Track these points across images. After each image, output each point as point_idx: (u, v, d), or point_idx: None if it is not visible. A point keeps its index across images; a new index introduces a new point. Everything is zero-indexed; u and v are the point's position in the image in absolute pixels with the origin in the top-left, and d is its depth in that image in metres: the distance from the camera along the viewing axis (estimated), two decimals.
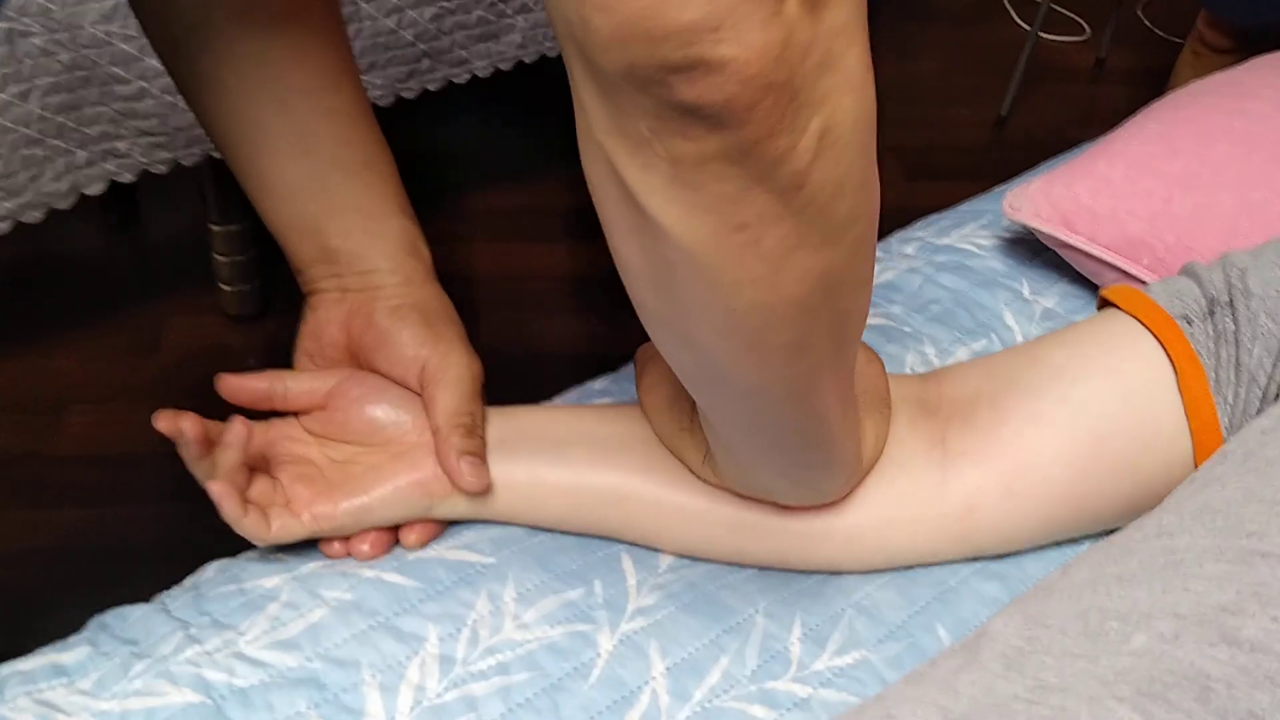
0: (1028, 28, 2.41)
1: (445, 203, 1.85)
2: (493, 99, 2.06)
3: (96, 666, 0.59)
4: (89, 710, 0.57)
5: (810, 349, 0.46)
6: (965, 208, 0.95)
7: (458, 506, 0.65)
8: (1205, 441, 0.60)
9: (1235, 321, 0.60)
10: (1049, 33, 2.37)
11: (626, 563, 0.65)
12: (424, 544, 0.65)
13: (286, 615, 0.61)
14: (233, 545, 0.64)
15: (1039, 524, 0.63)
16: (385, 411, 0.66)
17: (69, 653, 0.60)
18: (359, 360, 0.68)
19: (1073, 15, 2.46)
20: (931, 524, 0.62)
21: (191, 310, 1.69)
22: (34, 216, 1.37)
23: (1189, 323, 0.61)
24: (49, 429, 1.53)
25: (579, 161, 0.41)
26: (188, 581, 0.65)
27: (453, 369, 0.65)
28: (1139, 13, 2.51)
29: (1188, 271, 0.64)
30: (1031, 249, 0.87)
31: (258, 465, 0.65)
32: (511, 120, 2.09)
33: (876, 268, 0.86)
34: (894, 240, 0.91)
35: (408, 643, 0.60)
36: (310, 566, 0.64)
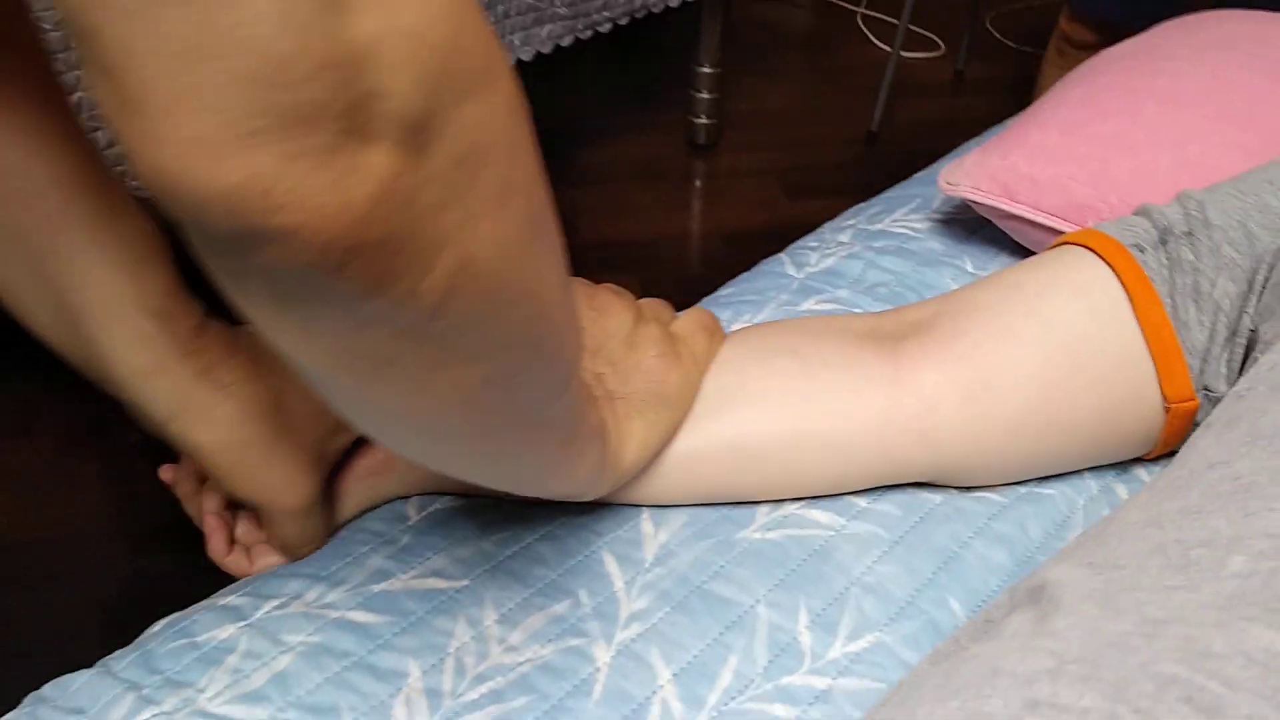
0: (885, 47, 2.48)
1: None
2: None
3: None
4: None
5: (497, 427, 0.42)
6: (889, 195, 0.93)
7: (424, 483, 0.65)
8: (1170, 368, 0.60)
9: (1195, 252, 0.60)
10: (907, 50, 2.43)
11: (610, 563, 0.61)
12: None
13: (248, 666, 0.55)
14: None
15: (1006, 433, 0.61)
16: None
17: None
18: None
19: (927, 33, 2.52)
20: (889, 417, 0.61)
21: (65, 387, 1.59)
22: None
23: (1141, 250, 0.61)
24: None
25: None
26: (133, 643, 0.58)
27: (263, 515, 0.61)
28: (988, 25, 2.59)
29: (1140, 210, 0.65)
30: (967, 227, 0.86)
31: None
32: None
33: (815, 255, 0.84)
34: (826, 230, 0.89)
35: (388, 680, 0.55)
36: (266, 610, 0.58)
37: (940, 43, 2.52)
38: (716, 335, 0.65)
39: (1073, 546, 0.45)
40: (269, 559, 0.63)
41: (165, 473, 0.65)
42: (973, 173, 0.80)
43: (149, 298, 0.55)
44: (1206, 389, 0.60)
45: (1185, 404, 0.60)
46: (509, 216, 0.33)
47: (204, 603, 0.60)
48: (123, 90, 0.25)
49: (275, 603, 0.58)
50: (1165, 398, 0.60)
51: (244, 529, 0.64)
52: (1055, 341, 0.60)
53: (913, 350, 0.62)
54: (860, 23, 2.63)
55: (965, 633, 0.46)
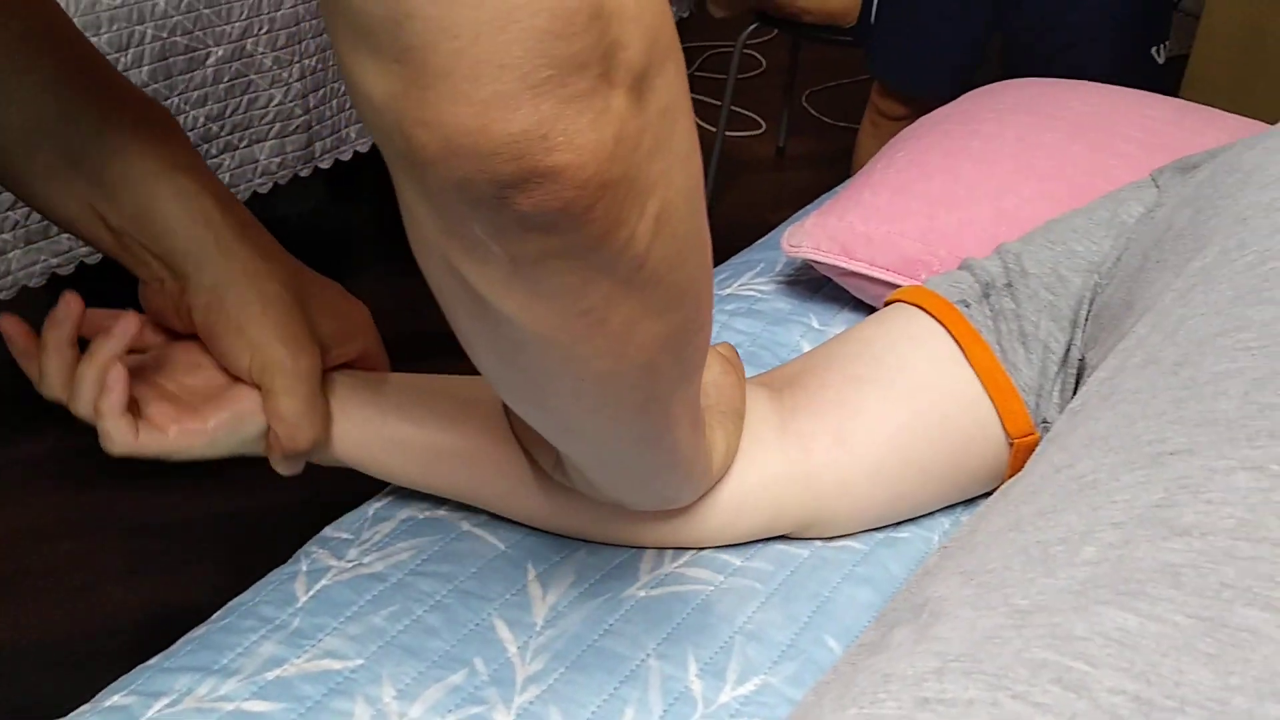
0: (708, 127, 2.57)
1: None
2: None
3: None
4: None
5: (658, 397, 0.47)
6: (736, 261, 0.98)
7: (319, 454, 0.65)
8: (1008, 407, 0.65)
9: (1015, 300, 0.67)
10: (730, 130, 2.53)
11: (501, 628, 0.62)
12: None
13: None
14: None
15: (872, 470, 0.66)
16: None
17: None
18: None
19: (748, 112, 2.64)
20: (776, 464, 0.65)
21: None
22: None
23: (966, 305, 0.67)
24: None
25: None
26: None
27: (282, 367, 0.61)
28: (804, 103, 2.72)
29: (964, 265, 0.71)
30: (809, 287, 0.91)
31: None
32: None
33: None
34: None
35: None
36: (157, 708, 0.57)
37: (761, 121, 2.63)
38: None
39: (944, 558, 0.49)
40: (152, 432, 0.60)
41: (10, 324, 0.60)
42: (813, 234, 0.85)
43: (181, 156, 0.61)
44: (1045, 421, 0.65)
45: (1027, 438, 0.65)
46: (692, 169, 0.38)
47: (86, 706, 0.58)
48: (426, 66, 0.30)
49: (166, 700, 0.57)
50: (1008, 434, 0.65)
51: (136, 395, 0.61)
52: (903, 387, 0.65)
53: (789, 402, 0.66)
54: None
55: (845, 660, 0.49)
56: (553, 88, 0.30)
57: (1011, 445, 0.66)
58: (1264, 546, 0.38)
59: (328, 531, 0.70)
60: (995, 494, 0.53)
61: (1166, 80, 1.48)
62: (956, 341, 0.65)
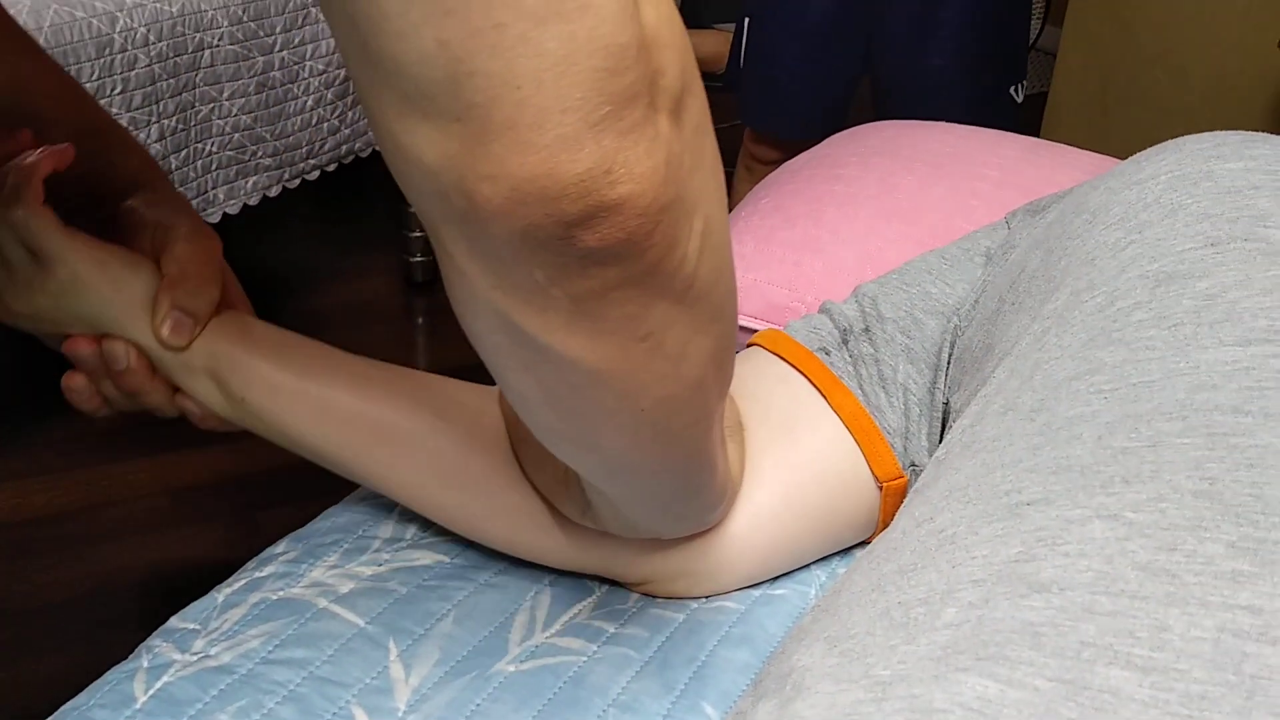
0: None
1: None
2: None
3: None
4: None
5: (706, 414, 0.48)
6: None
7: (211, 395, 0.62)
8: (875, 450, 0.65)
9: (873, 344, 0.67)
10: None
11: (360, 717, 0.58)
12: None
13: None
14: None
15: (747, 516, 0.64)
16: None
17: None
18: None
19: None
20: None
21: None
22: None
23: (826, 353, 0.67)
24: None
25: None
26: None
27: (182, 228, 0.61)
28: None
29: (823, 309, 0.71)
30: None
31: None
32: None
33: None
34: None
35: None
36: None
37: None
38: None
39: (811, 621, 0.47)
40: (56, 224, 0.58)
41: None
42: None
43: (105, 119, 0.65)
44: (914, 464, 0.64)
45: (896, 482, 0.64)
46: (721, 182, 0.39)
47: None
48: (490, 120, 0.30)
49: None
50: (876, 478, 0.64)
51: None
52: (773, 425, 0.64)
53: None
54: None
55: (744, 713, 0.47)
56: (611, 122, 0.31)
57: (881, 489, 0.65)
58: (1122, 600, 0.37)
59: (173, 622, 0.65)
60: (864, 549, 0.52)
61: (1028, 117, 1.52)
62: (818, 389, 0.65)
